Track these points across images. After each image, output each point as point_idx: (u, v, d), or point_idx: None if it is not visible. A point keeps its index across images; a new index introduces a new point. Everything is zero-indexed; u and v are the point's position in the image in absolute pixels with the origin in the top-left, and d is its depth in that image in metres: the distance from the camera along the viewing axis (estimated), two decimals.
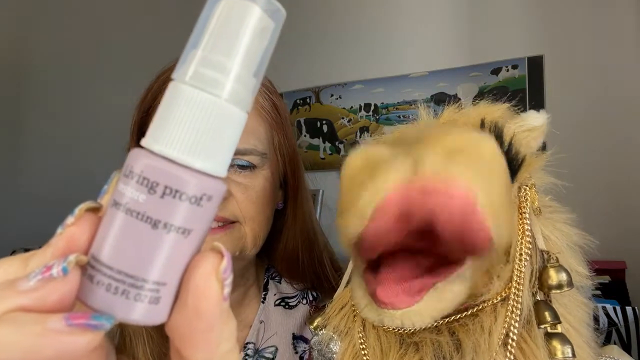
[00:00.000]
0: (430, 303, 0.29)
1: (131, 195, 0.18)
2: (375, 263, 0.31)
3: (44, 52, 2.49)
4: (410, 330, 0.33)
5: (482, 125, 0.32)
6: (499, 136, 0.31)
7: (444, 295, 0.29)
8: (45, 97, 2.47)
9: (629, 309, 1.13)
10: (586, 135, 1.65)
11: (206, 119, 0.19)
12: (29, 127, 2.49)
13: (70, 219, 0.19)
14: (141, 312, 0.18)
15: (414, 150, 0.27)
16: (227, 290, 0.19)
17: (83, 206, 0.19)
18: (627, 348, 1.10)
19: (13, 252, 1.72)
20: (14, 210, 2.29)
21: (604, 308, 1.13)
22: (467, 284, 0.30)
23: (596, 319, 1.07)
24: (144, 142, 0.19)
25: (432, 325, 0.33)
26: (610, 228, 1.52)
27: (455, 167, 0.25)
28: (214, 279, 0.18)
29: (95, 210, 0.20)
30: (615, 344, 1.10)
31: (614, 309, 1.14)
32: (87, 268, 0.19)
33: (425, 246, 0.27)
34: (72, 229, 0.19)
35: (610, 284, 1.36)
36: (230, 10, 0.19)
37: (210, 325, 0.18)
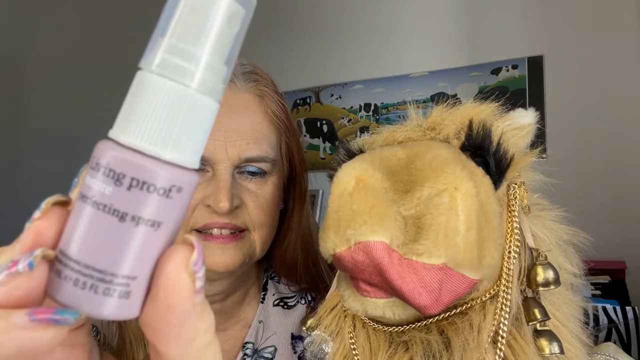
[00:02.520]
0: None
1: (98, 188, 0.18)
2: None
3: (43, 51, 2.49)
4: (399, 329, 0.34)
5: (470, 126, 0.32)
6: (486, 136, 0.32)
7: None
8: (45, 97, 2.47)
9: (629, 309, 1.13)
10: (586, 135, 1.65)
11: (174, 109, 0.18)
12: (29, 128, 2.50)
13: (37, 213, 0.19)
14: (111, 307, 0.18)
15: (401, 201, 0.29)
16: (199, 283, 0.18)
17: (50, 200, 0.19)
18: (627, 348, 1.10)
19: None
20: (14, 210, 2.29)
21: (604, 308, 1.13)
22: None
23: (596, 320, 1.06)
24: (111, 133, 0.19)
25: (422, 324, 0.33)
26: (610, 228, 1.51)
27: (427, 244, 0.28)
28: (184, 272, 0.18)
29: (64, 204, 0.19)
30: (615, 343, 1.09)
31: (614, 309, 1.14)
32: (55, 263, 0.18)
33: None
34: (39, 223, 0.18)
35: (610, 284, 1.36)
36: None
37: (183, 319, 0.18)
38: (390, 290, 0.28)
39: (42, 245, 0.18)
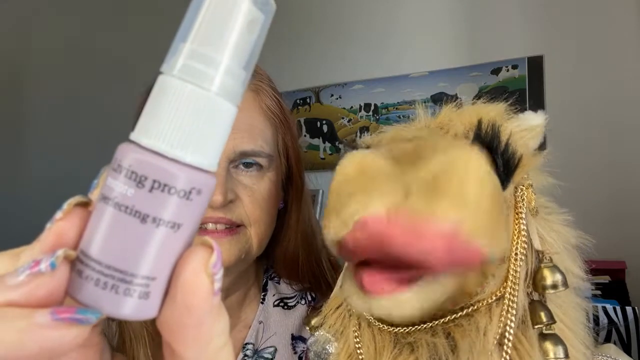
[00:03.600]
0: (418, 292, 0.29)
1: (120, 190, 0.18)
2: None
3: (43, 53, 2.49)
4: (405, 330, 0.33)
5: (479, 125, 0.32)
6: (495, 136, 0.31)
7: (433, 285, 0.29)
8: (46, 98, 2.47)
9: (629, 309, 1.13)
10: (586, 135, 1.65)
11: (195, 113, 0.19)
12: (29, 127, 2.50)
13: (59, 214, 0.19)
14: (131, 307, 0.18)
15: (405, 173, 0.28)
16: (217, 285, 0.18)
17: (72, 201, 0.19)
18: (627, 348, 1.10)
19: None
20: (14, 210, 2.29)
21: (604, 308, 1.13)
22: (457, 277, 0.30)
23: (596, 320, 1.06)
24: (132, 135, 0.19)
25: (427, 326, 0.33)
26: (610, 228, 1.51)
27: (436, 203, 0.26)
28: (204, 273, 0.18)
29: (85, 204, 0.20)
30: (615, 343, 1.09)
31: (614, 309, 1.14)
32: (76, 263, 0.18)
33: None
34: (61, 224, 0.19)
35: (610, 284, 1.36)
36: (219, 2, 0.19)
37: (201, 320, 0.18)
38: (399, 264, 0.27)
39: (63, 246, 0.18)
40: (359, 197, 0.27)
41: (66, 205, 0.19)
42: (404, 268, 0.27)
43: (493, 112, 0.34)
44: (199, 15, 0.19)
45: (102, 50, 2.44)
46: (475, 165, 0.27)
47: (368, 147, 0.38)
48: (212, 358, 0.19)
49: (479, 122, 0.32)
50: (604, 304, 1.15)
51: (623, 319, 1.13)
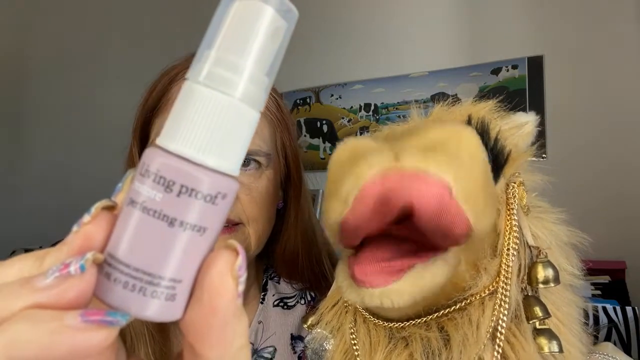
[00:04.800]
0: (409, 281, 0.29)
1: (147, 194, 0.19)
2: (359, 248, 0.31)
3: (44, 52, 2.50)
4: (399, 324, 0.34)
5: (469, 122, 0.32)
6: (485, 132, 0.32)
7: (423, 274, 0.29)
8: (46, 97, 2.47)
9: (629, 308, 1.13)
10: (586, 135, 1.65)
11: (220, 118, 0.19)
12: (29, 127, 2.50)
13: (86, 217, 0.19)
14: (157, 309, 0.19)
15: (397, 143, 0.28)
16: (241, 287, 0.19)
17: (99, 204, 0.20)
18: (627, 348, 1.10)
19: (13, 253, 1.73)
20: (14, 210, 2.30)
21: (604, 308, 1.13)
22: (448, 267, 0.30)
23: (596, 320, 1.06)
24: (159, 141, 0.19)
25: (422, 320, 0.33)
26: (611, 228, 1.51)
27: (432, 159, 0.26)
28: (229, 276, 0.19)
29: (111, 208, 0.20)
30: (615, 343, 1.09)
31: (614, 309, 1.14)
32: (104, 266, 0.19)
33: (406, 233, 0.28)
34: (89, 227, 0.19)
35: (610, 284, 1.36)
36: (244, 10, 0.20)
37: (225, 321, 0.18)
38: (395, 219, 0.27)
39: (91, 249, 0.19)
40: (353, 174, 0.27)
41: (94, 209, 0.19)
42: (397, 257, 0.28)
43: (483, 109, 0.35)
44: (224, 23, 0.20)
45: (101, 50, 2.45)
46: (470, 137, 0.28)
47: None
48: (234, 358, 0.19)
49: (469, 119, 0.32)
50: (604, 304, 1.15)
51: (623, 319, 1.13)
